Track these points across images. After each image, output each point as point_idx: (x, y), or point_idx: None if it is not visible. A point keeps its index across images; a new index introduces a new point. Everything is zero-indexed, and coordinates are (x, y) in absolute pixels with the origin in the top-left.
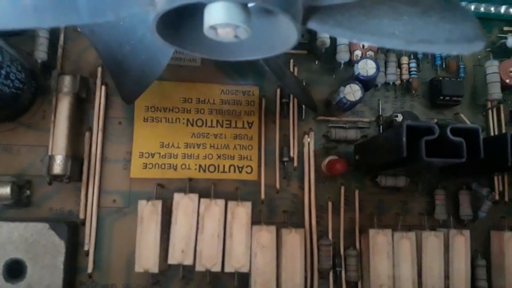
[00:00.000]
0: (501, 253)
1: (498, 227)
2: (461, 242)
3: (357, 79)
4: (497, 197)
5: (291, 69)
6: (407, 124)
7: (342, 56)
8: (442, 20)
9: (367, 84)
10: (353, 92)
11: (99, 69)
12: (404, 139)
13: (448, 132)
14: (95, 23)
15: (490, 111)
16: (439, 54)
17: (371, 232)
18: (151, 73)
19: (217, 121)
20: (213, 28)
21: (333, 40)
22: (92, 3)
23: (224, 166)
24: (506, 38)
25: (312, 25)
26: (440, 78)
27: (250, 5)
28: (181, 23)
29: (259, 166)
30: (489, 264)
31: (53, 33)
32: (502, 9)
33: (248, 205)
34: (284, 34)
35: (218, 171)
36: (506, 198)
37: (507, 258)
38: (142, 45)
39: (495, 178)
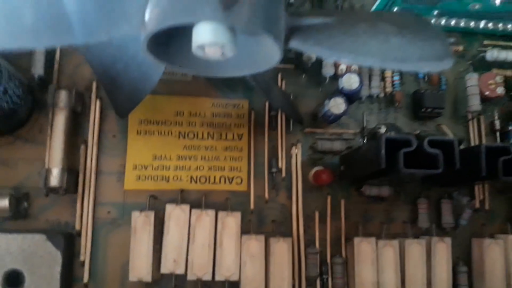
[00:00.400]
0: (481, 260)
1: (479, 235)
2: (443, 249)
3: (342, 92)
4: (477, 205)
5: (279, 83)
6: (386, 137)
7: (328, 71)
8: (414, 39)
9: (351, 97)
10: (337, 105)
11: (94, 84)
12: (383, 151)
13: (426, 144)
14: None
15: (470, 122)
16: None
17: (356, 240)
18: (143, 89)
19: (208, 133)
20: (201, 47)
21: None
22: (86, 24)
23: (214, 177)
24: (485, 51)
25: (293, 44)
26: (422, 91)
27: None
28: (171, 41)
29: (249, 177)
30: (470, 271)
31: (49, 49)
32: (482, 23)
33: (237, 215)
34: (268, 52)
35: (209, 182)
36: (487, 206)
37: (487, 264)
38: (134, 62)
39: (476, 187)
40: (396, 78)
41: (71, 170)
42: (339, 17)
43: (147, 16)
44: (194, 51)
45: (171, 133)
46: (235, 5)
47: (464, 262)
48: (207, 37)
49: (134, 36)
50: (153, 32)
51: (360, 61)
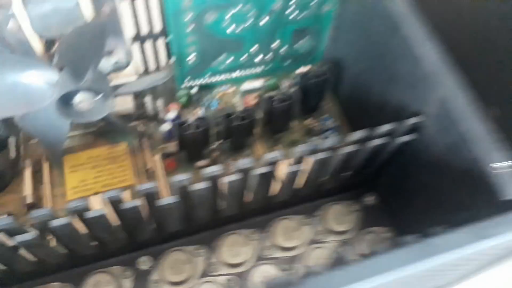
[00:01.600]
0: None
1: None
2: None
3: None
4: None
5: None
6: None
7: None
8: None
9: None
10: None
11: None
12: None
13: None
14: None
15: None
16: None
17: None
18: (60, 138)
19: (108, 163)
20: (77, 105)
21: None
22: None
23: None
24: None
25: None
26: None
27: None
28: (68, 108)
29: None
30: None
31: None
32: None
33: None
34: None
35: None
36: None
37: None
38: (52, 123)
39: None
40: None
41: None
42: None
43: (55, 95)
44: (76, 108)
45: (88, 169)
46: (81, 80)
47: None
48: (77, 98)
49: (48, 109)
50: (58, 97)
51: None
